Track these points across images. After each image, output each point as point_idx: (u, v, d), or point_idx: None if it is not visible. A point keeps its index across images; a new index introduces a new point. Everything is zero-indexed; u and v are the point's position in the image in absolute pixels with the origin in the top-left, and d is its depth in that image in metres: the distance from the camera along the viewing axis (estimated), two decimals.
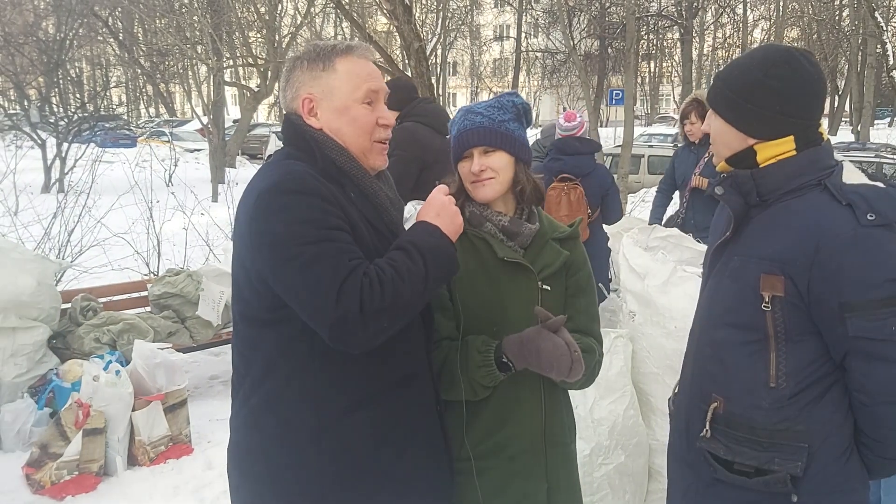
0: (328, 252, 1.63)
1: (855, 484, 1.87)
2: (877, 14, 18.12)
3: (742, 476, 1.86)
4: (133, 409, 4.30)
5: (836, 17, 31.51)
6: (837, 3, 29.47)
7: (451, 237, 1.81)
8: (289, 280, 1.65)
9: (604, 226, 5.19)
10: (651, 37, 40.51)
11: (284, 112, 1.95)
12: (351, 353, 1.69)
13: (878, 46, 19.84)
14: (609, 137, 24.17)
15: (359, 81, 1.87)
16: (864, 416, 1.82)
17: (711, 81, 2.00)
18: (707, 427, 1.92)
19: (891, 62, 17.53)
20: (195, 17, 19.00)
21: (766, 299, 1.80)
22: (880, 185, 1.91)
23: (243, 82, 28.61)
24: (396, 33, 14.59)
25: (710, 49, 45.08)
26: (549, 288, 2.08)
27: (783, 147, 1.85)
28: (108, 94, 26.85)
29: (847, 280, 1.72)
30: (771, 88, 1.84)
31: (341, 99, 1.86)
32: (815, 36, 32.34)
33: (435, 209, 1.84)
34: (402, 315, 1.71)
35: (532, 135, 5.23)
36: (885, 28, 18.05)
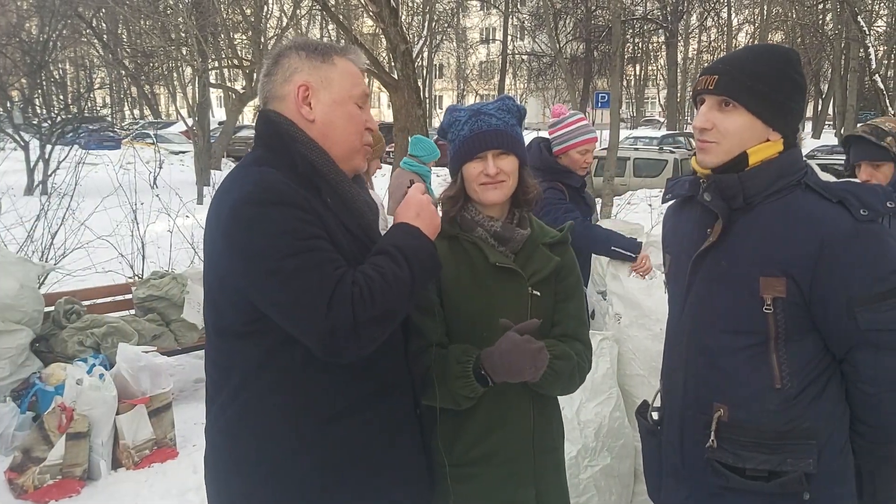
0: (311, 263, 1.60)
1: (849, 474, 1.89)
2: (859, 18, 18.28)
3: (758, 481, 1.85)
4: (117, 413, 4.27)
5: (820, 22, 31.76)
6: (821, 7, 29.72)
7: (431, 237, 1.80)
8: (273, 294, 1.61)
9: None
10: (636, 40, 40.77)
11: (262, 106, 1.88)
12: (330, 364, 1.66)
13: (861, 50, 20.02)
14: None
15: (355, 80, 1.86)
16: (867, 405, 1.84)
17: (721, 75, 1.85)
18: (713, 437, 1.90)
19: (873, 66, 17.70)
20: (180, 19, 18.96)
21: (768, 301, 1.80)
22: (856, 180, 1.94)
23: (228, 84, 28.54)
24: (382, 36, 14.60)
25: (695, 52, 45.40)
26: (538, 293, 2.08)
27: (775, 148, 1.86)
28: (91, 95, 26.59)
29: (854, 275, 1.75)
30: (799, 84, 1.86)
31: (339, 92, 1.83)
32: (798, 40, 32.56)
33: (414, 209, 1.82)
34: (393, 321, 1.69)
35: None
36: (867, 32, 18.20)
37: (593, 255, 3.96)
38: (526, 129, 2.74)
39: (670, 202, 2.17)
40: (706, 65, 2.11)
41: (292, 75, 1.81)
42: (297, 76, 1.81)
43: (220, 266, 1.71)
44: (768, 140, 1.86)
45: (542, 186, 4.08)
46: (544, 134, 4.13)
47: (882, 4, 29.84)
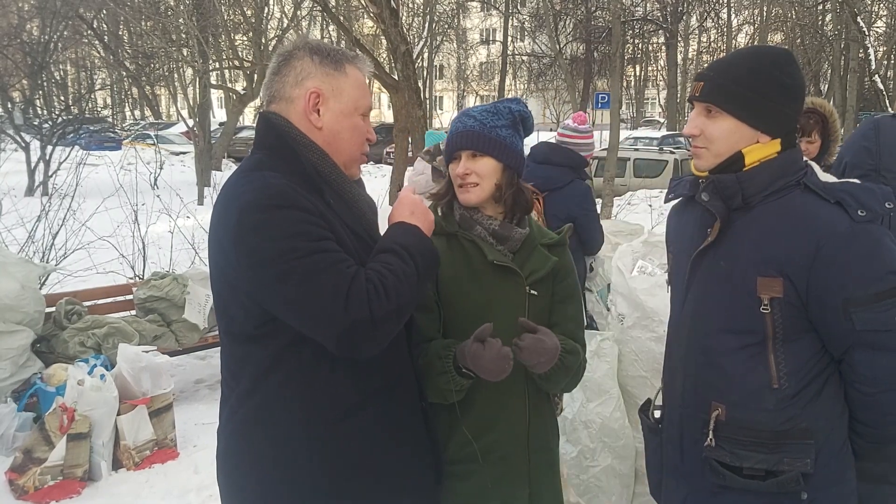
0: (323, 263, 1.62)
1: (849, 473, 1.90)
2: (859, 19, 18.29)
3: (755, 480, 1.86)
4: (118, 414, 4.27)
5: (819, 22, 31.73)
6: (820, 8, 29.68)
7: (427, 234, 1.84)
8: (288, 297, 1.62)
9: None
10: (636, 41, 40.74)
11: (265, 105, 1.87)
12: (337, 363, 1.69)
13: (861, 51, 20.02)
14: (595, 141, 24.21)
15: (364, 92, 1.88)
16: (865, 405, 1.84)
17: (706, 82, 1.90)
18: (711, 436, 1.91)
19: (873, 67, 17.71)
20: (181, 20, 18.95)
21: (765, 301, 1.81)
22: (856, 181, 1.94)
23: (229, 85, 28.55)
24: (383, 37, 14.59)
25: (695, 53, 45.40)
26: (536, 293, 2.09)
27: (772, 148, 1.86)
28: (92, 96, 26.60)
29: (850, 276, 1.75)
30: (787, 86, 1.85)
31: (348, 103, 1.85)
32: (798, 41, 32.52)
33: (408, 208, 1.86)
34: (405, 315, 1.73)
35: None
36: (867, 33, 18.21)
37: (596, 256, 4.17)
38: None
39: (674, 202, 2.19)
40: (705, 66, 2.12)
41: (304, 80, 1.82)
42: (309, 82, 1.82)
43: (230, 273, 1.72)
44: (758, 142, 1.86)
45: (578, 188, 4.27)
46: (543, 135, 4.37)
47: (882, 5, 29.80)
